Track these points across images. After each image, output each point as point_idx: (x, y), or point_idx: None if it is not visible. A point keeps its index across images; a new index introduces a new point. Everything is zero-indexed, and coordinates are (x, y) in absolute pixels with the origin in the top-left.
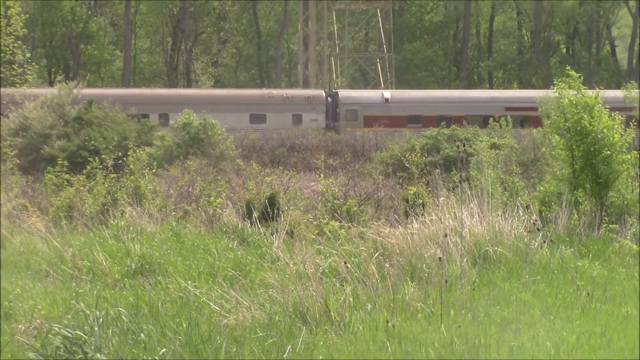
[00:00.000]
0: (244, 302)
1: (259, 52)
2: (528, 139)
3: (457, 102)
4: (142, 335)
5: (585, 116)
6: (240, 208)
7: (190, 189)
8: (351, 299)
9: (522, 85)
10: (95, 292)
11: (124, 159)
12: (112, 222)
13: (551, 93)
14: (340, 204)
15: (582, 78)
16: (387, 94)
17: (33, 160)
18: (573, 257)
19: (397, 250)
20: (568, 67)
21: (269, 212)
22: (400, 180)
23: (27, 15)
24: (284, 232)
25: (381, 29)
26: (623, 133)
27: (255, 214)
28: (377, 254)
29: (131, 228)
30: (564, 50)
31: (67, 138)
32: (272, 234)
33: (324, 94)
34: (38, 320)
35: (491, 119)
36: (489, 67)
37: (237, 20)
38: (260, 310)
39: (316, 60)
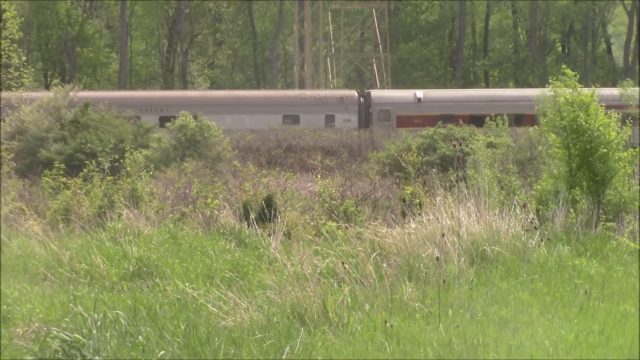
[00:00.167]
0: (242, 303)
1: (254, 53)
2: (524, 137)
3: (489, 100)
4: (140, 337)
5: (581, 114)
6: (238, 209)
7: (187, 191)
8: (349, 300)
9: (519, 84)
10: (93, 295)
11: (121, 161)
12: (109, 224)
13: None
14: (337, 204)
15: (578, 76)
16: (420, 93)
17: (30, 164)
18: (571, 256)
19: (395, 250)
20: (564, 66)
21: (266, 213)
22: (397, 180)
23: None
24: (281, 233)
25: (377, 29)
26: (619, 131)
27: (252, 216)
28: (374, 254)
29: (128, 230)
30: (560, 49)
31: (64, 141)
32: (269, 235)
33: (356, 94)
34: (36, 324)
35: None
36: (485, 66)
37: (233, 21)
38: (258, 311)
39: (312, 61)
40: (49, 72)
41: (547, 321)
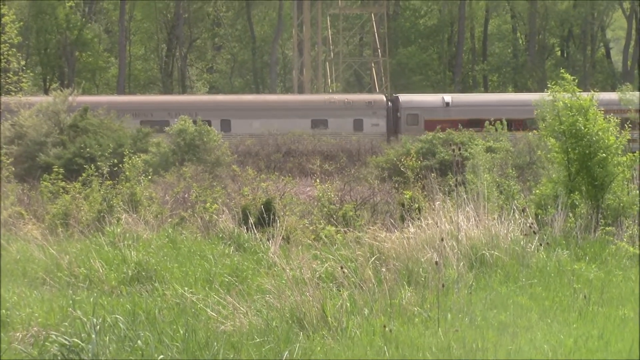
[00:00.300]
0: (241, 308)
1: (253, 58)
2: (523, 142)
3: (517, 105)
4: (139, 342)
5: (580, 119)
6: (237, 214)
7: (186, 195)
8: (348, 304)
9: (518, 89)
10: (92, 299)
11: (120, 165)
12: (108, 229)
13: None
14: (336, 208)
15: (577, 81)
16: (448, 97)
17: (29, 168)
18: (570, 260)
19: (394, 255)
20: (562, 70)
21: (265, 217)
22: (396, 184)
23: (21, 23)
24: (280, 237)
25: (376, 34)
26: (618, 135)
27: (251, 220)
28: (373, 259)
29: (127, 235)
30: (559, 53)
31: (63, 145)
32: (268, 240)
33: (384, 99)
34: (35, 328)
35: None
36: (484, 71)
37: (232, 25)
38: (257, 316)
39: (311, 66)
40: (48, 77)
41: (546, 325)
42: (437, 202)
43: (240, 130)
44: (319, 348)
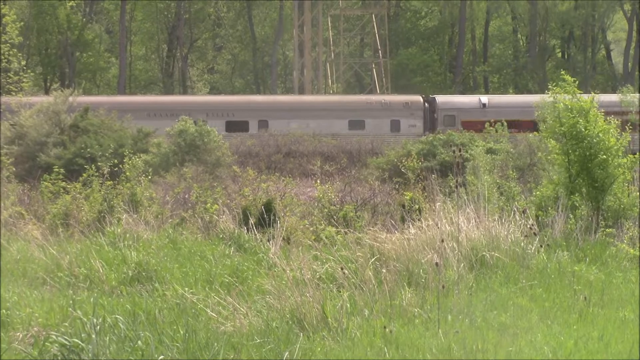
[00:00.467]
0: (241, 308)
1: (254, 58)
2: (524, 143)
3: None
4: (139, 342)
5: (580, 120)
6: (237, 214)
7: (186, 196)
8: (348, 305)
9: (518, 90)
10: (92, 299)
11: (120, 166)
12: (108, 229)
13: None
14: (337, 209)
15: (577, 82)
16: (485, 99)
17: (29, 168)
18: (570, 262)
19: (394, 256)
20: (563, 72)
21: (266, 218)
22: (397, 185)
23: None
24: (281, 238)
25: (376, 35)
26: (619, 137)
27: (251, 221)
28: (373, 260)
29: (128, 235)
30: (560, 55)
31: (63, 146)
32: (268, 240)
33: (421, 100)
34: (35, 328)
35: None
36: (484, 72)
37: (232, 26)
38: (257, 316)
39: (312, 66)
40: (49, 77)
41: (547, 327)
42: (438, 203)
43: (278, 131)
44: (319, 349)
